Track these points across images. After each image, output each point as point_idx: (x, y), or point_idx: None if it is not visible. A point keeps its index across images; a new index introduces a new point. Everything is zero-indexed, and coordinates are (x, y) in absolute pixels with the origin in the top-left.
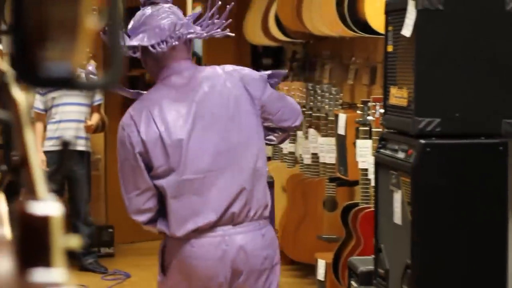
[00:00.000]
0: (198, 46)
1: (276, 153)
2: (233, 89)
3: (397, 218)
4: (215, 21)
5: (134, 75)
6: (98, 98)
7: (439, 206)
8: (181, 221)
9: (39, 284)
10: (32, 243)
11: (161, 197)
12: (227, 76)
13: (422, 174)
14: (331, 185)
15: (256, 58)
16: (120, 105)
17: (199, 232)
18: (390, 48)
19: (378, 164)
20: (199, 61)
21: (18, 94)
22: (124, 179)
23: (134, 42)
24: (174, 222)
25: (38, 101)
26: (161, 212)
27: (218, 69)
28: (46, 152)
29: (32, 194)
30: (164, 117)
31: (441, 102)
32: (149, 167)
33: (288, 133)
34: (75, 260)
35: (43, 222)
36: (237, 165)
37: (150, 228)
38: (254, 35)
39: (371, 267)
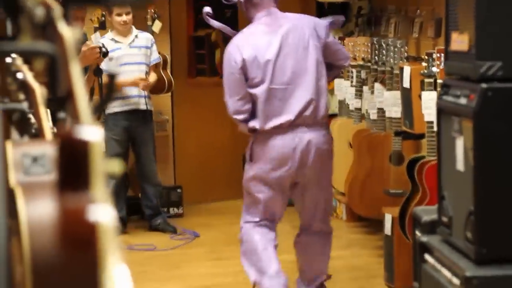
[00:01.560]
0: None
1: (343, 110)
2: (307, 29)
3: (460, 165)
4: None
5: (200, 35)
6: (156, 57)
7: (502, 151)
8: (268, 119)
9: (79, 204)
10: (72, 165)
11: (253, 102)
12: (304, 20)
13: (484, 118)
14: (397, 139)
15: (322, 14)
16: (185, 66)
17: (280, 127)
18: None
19: (440, 111)
20: None
21: (65, 29)
22: (228, 87)
23: None
24: (263, 119)
25: None
26: (253, 114)
27: (297, 15)
28: (110, 114)
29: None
30: (258, 44)
31: (502, 45)
32: (246, 79)
33: (340, 70)
34: (144, 220)
35: (84, 145)
36: (307, 82)
37: (243, 126)
38: None
39: (436, 216)
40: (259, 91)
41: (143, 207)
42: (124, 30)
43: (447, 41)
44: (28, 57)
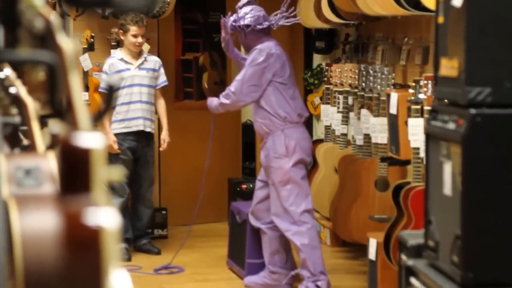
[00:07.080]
0: None
1: (329, 135)
2: None
3: (447, 189)
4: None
5: (188, 59)
6: (163, 80)
7: (490, 176)
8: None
9: (81, 208)
10: (73, 171)
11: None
12: None
13: (473, 144)
14: (383, 165)
15: (309, 41)
16: (173, 89)
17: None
18: (441, 20)
19: (429, 136)
20: None
21: (64, 41)
22: None
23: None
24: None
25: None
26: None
27: None
28: (117, 135)
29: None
30: None
31: (492, 71)
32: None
33: None
34: (129, 242)
35: (85, 152)
36: None
37: None
38: (307, 17)
39: (422, 241)
40: None
41: (130, 227)
42: (136, 51)
43: (436, 67)
44: (28, 67)
